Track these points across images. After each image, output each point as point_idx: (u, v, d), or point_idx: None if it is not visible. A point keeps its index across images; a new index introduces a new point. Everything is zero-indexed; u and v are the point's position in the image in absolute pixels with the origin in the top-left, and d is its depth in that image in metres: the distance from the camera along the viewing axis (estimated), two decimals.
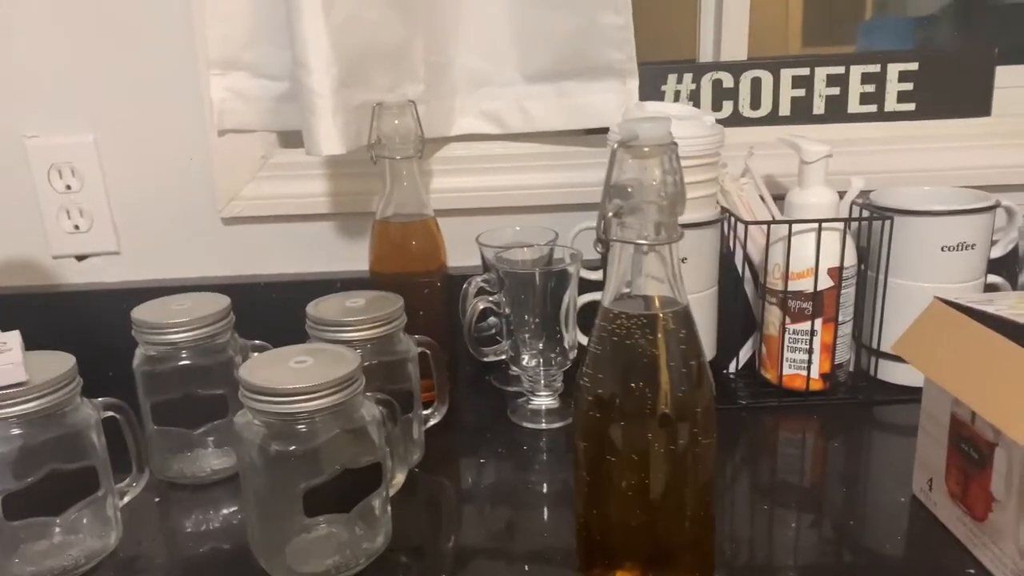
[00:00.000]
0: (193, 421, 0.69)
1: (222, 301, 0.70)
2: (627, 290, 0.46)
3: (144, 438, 0.65)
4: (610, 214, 0.44)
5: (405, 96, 0.81)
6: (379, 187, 0.81)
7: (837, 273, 0.76)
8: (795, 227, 0.75)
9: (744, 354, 0.86)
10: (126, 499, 0.64)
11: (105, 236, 0.91)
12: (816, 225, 0.74)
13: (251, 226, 0.91)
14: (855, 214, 0.80)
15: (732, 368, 0.84)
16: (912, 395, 0.67)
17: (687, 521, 0.48)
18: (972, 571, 0.55)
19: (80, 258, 0.93)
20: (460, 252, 0.88)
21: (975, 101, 0.89)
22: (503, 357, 0.79)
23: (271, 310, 0.81)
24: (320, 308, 0.67)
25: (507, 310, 0.76)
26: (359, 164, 0.83)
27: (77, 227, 0.91)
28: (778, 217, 0.84)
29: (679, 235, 0.45)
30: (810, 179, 0.76)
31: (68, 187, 0.89)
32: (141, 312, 0.68)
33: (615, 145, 0.44)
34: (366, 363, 0.65)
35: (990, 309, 0.54)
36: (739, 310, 0.83)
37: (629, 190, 0.43)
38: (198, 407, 0.68)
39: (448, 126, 0.89)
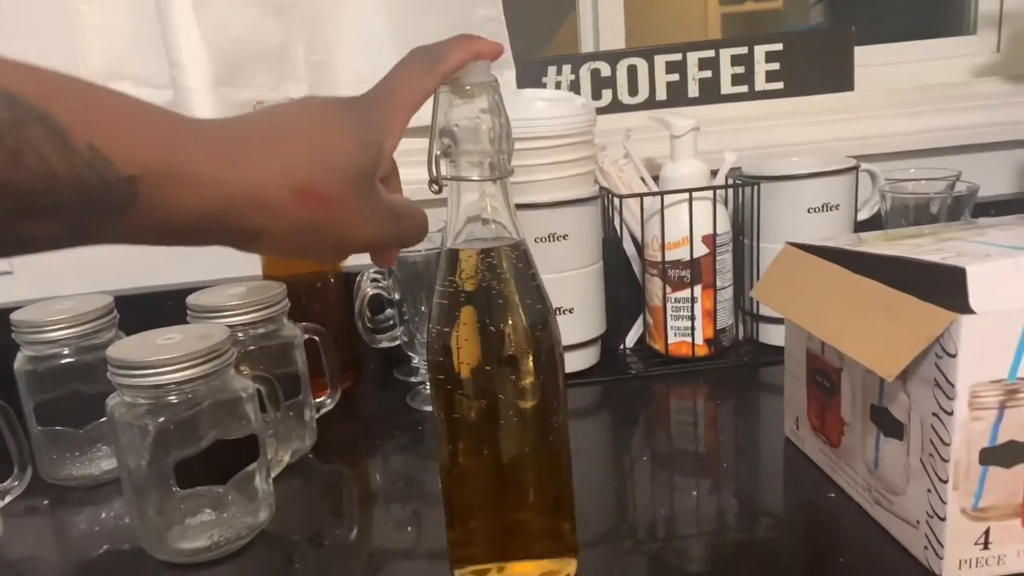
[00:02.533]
0: (79, 420, 0.69)
1: (105, 299, 0.70)
2: (467, 233, 0.48)
3: (26, 437, 0.64)
4: (438, 153, 0.46)
5: (287, 95, 0.83)
6: None
7: (711, 240, 0.79)
8: (668, 198, 0.78)
9: (636, 330, 0.88)
10: (7, 499, 0.63)
11: None
12: (687, 195, 0.77)
13: None
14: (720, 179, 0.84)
15: (625, 345, 0.87)
16: None
17: (540, 467, 0.49)
18: (832, 495, 0.58)
19: None
20: None
21: (838, 77, 0.95)
22: (397, 343, 0.80)
23: (163, 314, 0.80)
24: (200, 297, 0.68)
25: (397, 296, 0.78)
26: None
27: None
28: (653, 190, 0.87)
29: (510, 171, 0.47)
30: (680, 152, 0.80)
31: None
32: (21, 314, 0.68)
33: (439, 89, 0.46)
34: (249, 348, 0.66)
35: (831, 244, 0.58)
36: (626, 289, 0.86)
37: (455, 128, 0.45)
38: (83, 405, 0.68)
39: None
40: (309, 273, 0.82)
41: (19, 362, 0.68)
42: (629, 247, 0.88)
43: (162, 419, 0.53)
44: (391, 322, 0.86)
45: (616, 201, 0.82)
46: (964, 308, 0.43)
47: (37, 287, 0.91)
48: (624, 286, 0.86)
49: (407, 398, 0.81)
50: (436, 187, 0.46)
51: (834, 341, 0.52)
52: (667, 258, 0.79)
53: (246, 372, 0.60)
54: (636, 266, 0.89)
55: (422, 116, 0.45)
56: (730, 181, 0.83)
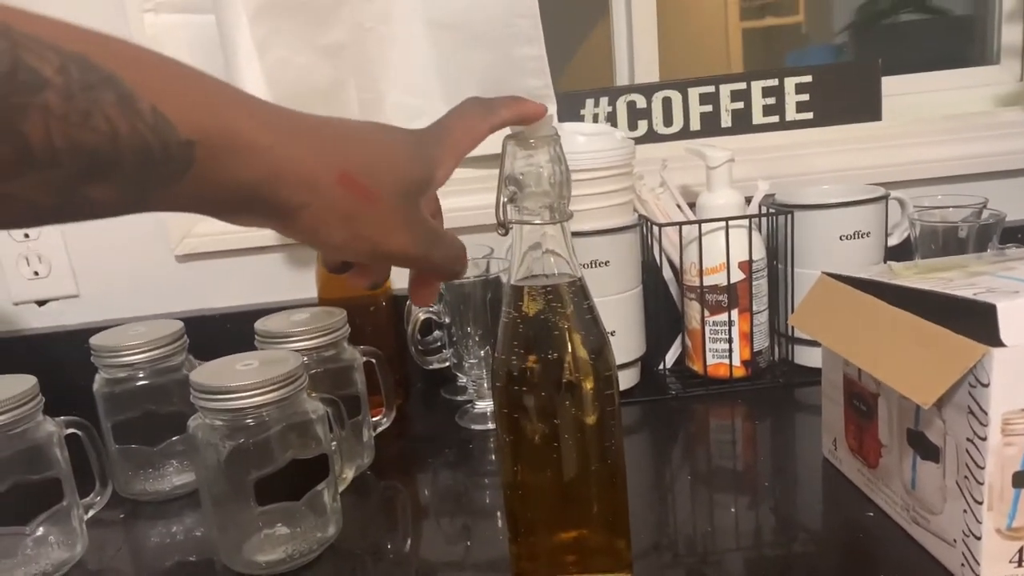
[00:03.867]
0: (153, 439, 0.73)
1: (175, 325, 0.75)
2: (529, 270, 0.51)
3: (106, 455, 0.69)
4: (505, 200, 0.50)
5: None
6: None
7: (747, 266, 0.83)
8: (705, 226, 0.82)
9: (674, 351, 0.92)
10: (91, 512, 0.67)
11: (64, 280, 0.95)
12: (723, 223, 0.81)
13: (204, 262, 0.96)
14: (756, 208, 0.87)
15: (664, 365, 0.90)
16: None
17: (598, 486, 0.53)
18: (871, 514, 0.61)
19: (41, 303, 0.97)
20: (404, 274, 0.94)
21: (866, 107, 0.98)
22: (447, 364, 0.84)
23: (226, 338, 0.84)
24: (267, 323, 0.72)
25: (446, 319, 0.82)
26: None
27: (36, 273, 0.95)
28: (691, 218, 0.91)
29: (569, 215, 0.51)
30: (716, 182, 0.84)
31: (26, 235, 0.93)
32: (99, 339, 0.73)
33: (506, 140, 0.50)
34: (313, 370, 0.70)
35: (865, 275, 0.61)
36: (664, 313, 0.89)
37: (520, 177, 0.49)
38: (157, 425, 0.72)
39: None
40: (362, 297, 0.86)
41: (97, 384, 0.72)
42: (667, 272, 0.92)
43: (241, 440, 0.58)
44: (439, 343, 0.90)
45: (655, 229, 0.85)
46: (996, 341, 0.46)
47: (105, 310, 0.96)
48: (662, 309, 0.90)
49: (456, 416, 0.85)
50: (503, 230, 0.51)
51: (871, 369, 0.55)
52: (705, 283, 0.83)
53: (314, 395, 0.64)
54: (674, 290, 0.92)
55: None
56: (764, 209, 0.86)
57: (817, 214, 0.83)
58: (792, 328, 0.86)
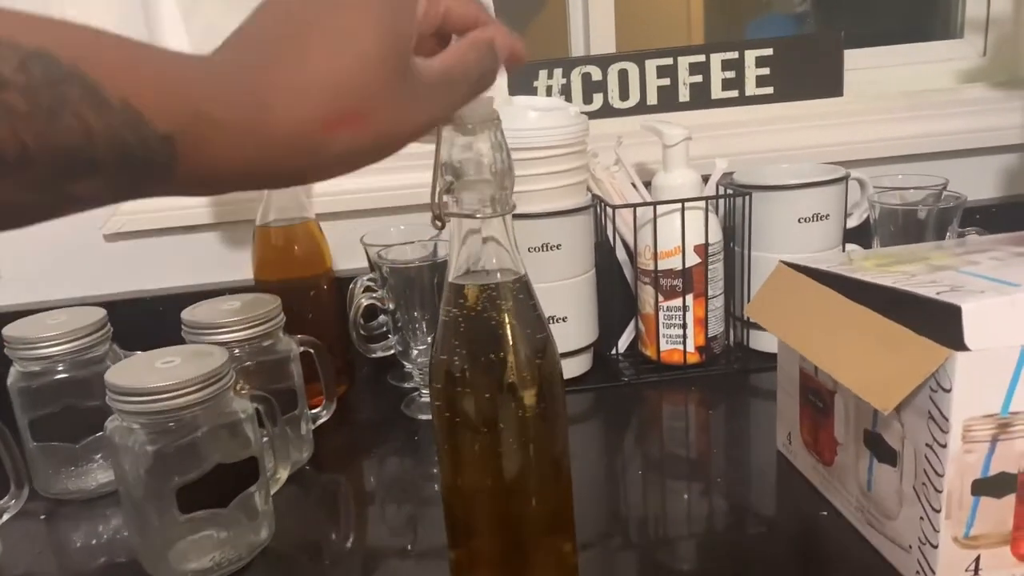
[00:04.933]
0: (74, 435, 0.69)
1: (98, 313, 0.70)
2: (468, 265, 0.48)
3: (22, 456, 0.64)
4: (441, 190, 0.46)
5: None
6: (260, 193, 0.81)
7: (703, 249, 0.80)
8: (660, 208, 0.79)
9: (628, 335, 0.89)
10: (5, 517, 0.63)
11: None
12: (680, 205, 0.78)
13: (134, 241, 0.91)
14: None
15: (617, 350, 0.87)
16: None
17: (541, 490, 0.50)
18: (825, 512, 0.59)
19: None
20: (348, 255, 0.90)
21: (828, 83, 0.95)
22: (391, 352, 0.81)
23: (157, 323, 0.80)
24: (195, 312, 0.68)
25: (391, 305, 0.78)
26: None
27: None
28: (647, 199, 0.88)
29: (512, 207, 0.48)
30: (673, 161, 0.80)
31: None
32: (14, 329, 0.67)
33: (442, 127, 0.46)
34: (244, 364, 0.66)
35: (824, 267, 0.58)
36: (618, 295, 0.87)
37: (458, 165, 0.45)
38: (78, 420, 0.68)
39: None
40: (302, 279, 0.82)
41: (12, 378, 0.68)
42: (621, 253, 0.89)
43: (162, 445, 0.54)
44: (384, 329, 0.86)
45: (609, 210, 0.82)
46: (959, 344, 0.44)
47: (29, 291, 0.91)
48: (616, 292, 0.87)
49: (401, 405, 0.82)
50: (439, 223, 0.47)
51: (829, 368, 0.52)
52: (659, 267, 0.80)
53: (244, 391, 0.60)
54: (628, 272, 0.89)
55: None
56: (722, 190, 0.83)
57: (775, 195, 0.80)
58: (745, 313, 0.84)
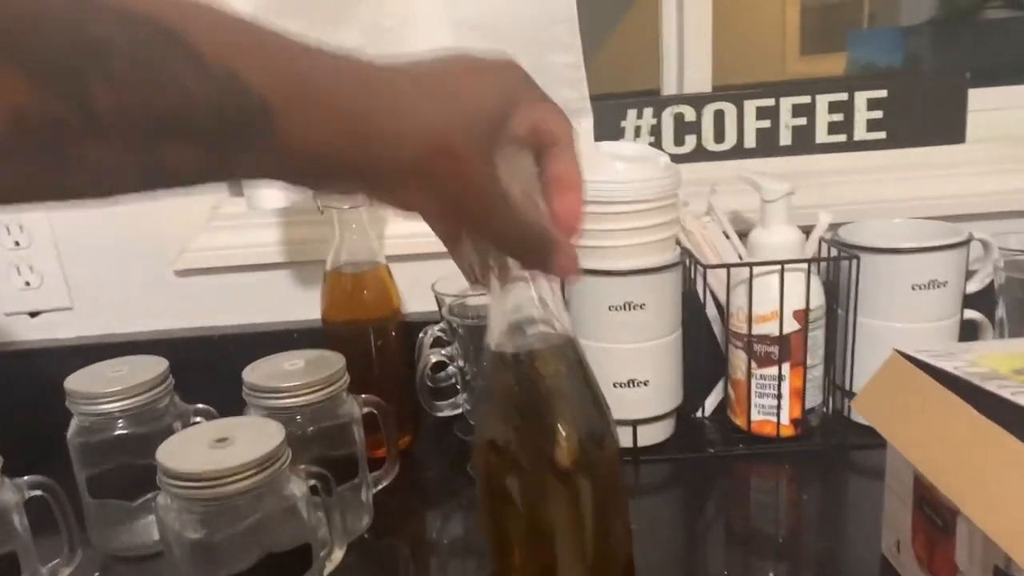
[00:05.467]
0: (131, 493, 0.66)
1: (159, 365, 0.68)
2: (512, 329, 0.43)
3: (73, 518, 0.62)
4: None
5: None
6: (331, 236, 0.78)
7: (803, 316, 0.73)
8: (757, 269, 0.72)
9: (715, 397, 0.82)
10: None
11: (57, 292, 0.89)
12: (779, 267, 0.71)
13: (203, 278, 0.89)
14: (823, 251, 0.77)
15: (703, 412, 0.81)
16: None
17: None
18: None
19: (33, 315, 0.90)
20: (419, 298, 0.86)
21: (948, 128, 0.86)
22: (459, 411, 0.76)
23: (223, 363, 0.78)
24: (256, 373, 0.64)
25: (462, 362, 0.73)
26: (311, 211, 0.81)
27: (28, 283, 0.88)
28: (744, 255, 0.81)
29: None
30: (772, 217, 0.73)
31: (17, 243, 0.87)
32: (75, 381, 0.65)
33: None
34: (305, 430, 0.63)
35: (948, 366, 0.51)
36: (706, 353, 0.80)
37: None
38: (136, 478, 0.65)
39: None
40: (370, 324, 0.79)
41: (72, 431, 0.66)
42: (711, 309, 0.83)
43: (210, 532, 0.50)
44: (452, 381, 0.81)
45: (700, 268, 0.76)
46: None
47: (98, 322, 0.90)
48: (703, 349, 0.80)
49: (468, 466, 0.77)
50: (480, 287, 0.43)
51: (955, 496, 0.45)
52: (754, 332, 0.73)
53: (301, 468, 0.56)
54: (718, 329, 0.83)
55: None
56: (826, 248, 0.76)
57: (887, 259, 0.73)
58: (851, 379, 0.76)
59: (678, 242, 0.77)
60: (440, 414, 0.76)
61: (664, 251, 0.74)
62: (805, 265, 0.72)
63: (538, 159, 0.40)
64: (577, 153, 0.41)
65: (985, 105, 0.90)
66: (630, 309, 0.72)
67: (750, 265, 0.72)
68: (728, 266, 0.73)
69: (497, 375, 0.43)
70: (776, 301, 0.72)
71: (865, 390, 0.58)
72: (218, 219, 0.88)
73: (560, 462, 0.42)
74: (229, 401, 0.66)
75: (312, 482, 0.56)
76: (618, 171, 0.71)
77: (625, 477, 0.75)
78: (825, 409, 0.79)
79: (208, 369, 0.81)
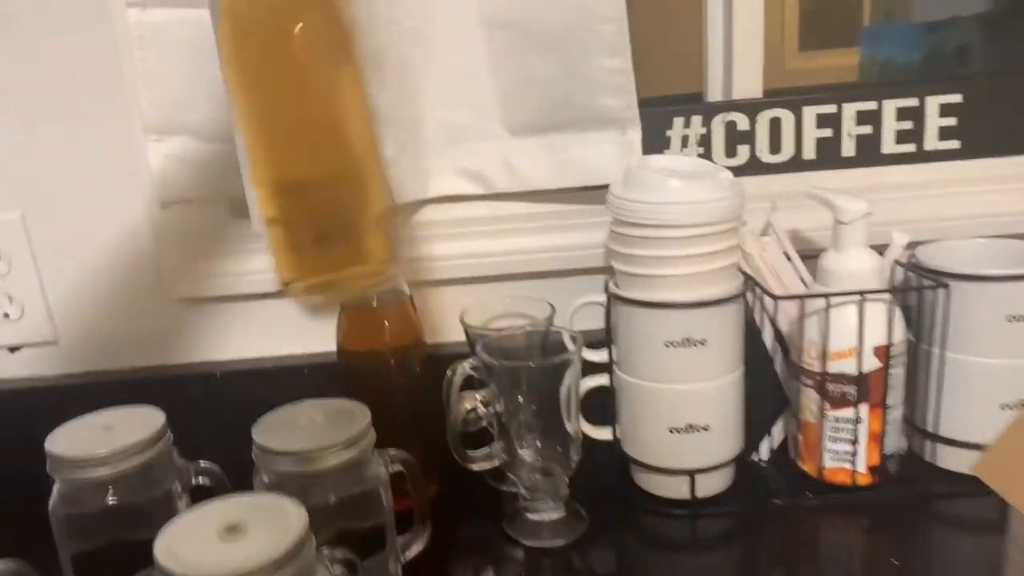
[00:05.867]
0: (122, 570, 0.57)
1: (155, 419, 0.59)
2: None
3: None
4: None
5: None
6: None
7: (884, 352, 0.64)
8: (834, 300, 0.64)
9: (777, 438, 0.74)
10: None
11: (39, 324, 0.80)
12: (858, 297, 0.63)
13: (205, 307, 0.80)
14: (899, 276, 0.69)
15: (760, 456, 0.73)
16: (979, 485, 0.56)
17: None
18: None
19: (13, 349, 0.81)
20: (445, 326, 0.78)
21: None
22: (496, 463, 0.67)
23: (227, 404, 0.71)
24: (268, 431, 0.55)
25: (498, 407, 0.65)
26: None
27: (7, 315, 0.79)
28: (807, 280, 0.73)
29: None
30: (847, 241, 0.65)
31: None
32: (58, 442, 0.56)
33: None
34: (326, 500, 0.54)
35: None
36: (764, 390, 0.71)
37: None
38: (130, 557, 0.56)
39: (423, 188, 0.78)
40: (391, 355, 0.70)
41: (55, 502, 0.56)
42: (768, 338, 0.74)
43: None
44: (483, 422, 0.72)
45: (765, 298, 0.68)
46: None
47: (87, 357, 0.81)
48: (762, 386, 0.72)
49: (504, 522, 0.69)
50: None
51: None
52: (828, 370, 0.65)
53: (324, 553, 0.48)
54: (777, 362, 0.74)
55: None
56: (905, 275, 0.68)
57: (979, 287, 0.64)
58: (935, 419, 0.68)
59: (740, 270, 0.68)
60: (475, 467, 0.67)
61: (728, 279, 0.65)
62: (887, 295, 0.64)
63: None
64: None
65: None
66: (690, 345, 0.64)
67: (826, 296, 0.64)
68: (802, 297, 0.65)
69: None
70: (854, 336, 0.64)
71: (989, 453, 0.49)
72: (221, 242, 0.79)
73: None
74: (234, 450, 0.58)
75: (338, 573, 0.47)
76: (674, 190, 0.63)
77: (681, 531, 0.67)
78: (904, 451, 0.71)
79: (210, 412, 0.73)
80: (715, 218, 0.62)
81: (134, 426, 0.58)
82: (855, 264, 0.65)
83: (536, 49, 0.72)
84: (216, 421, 0.68)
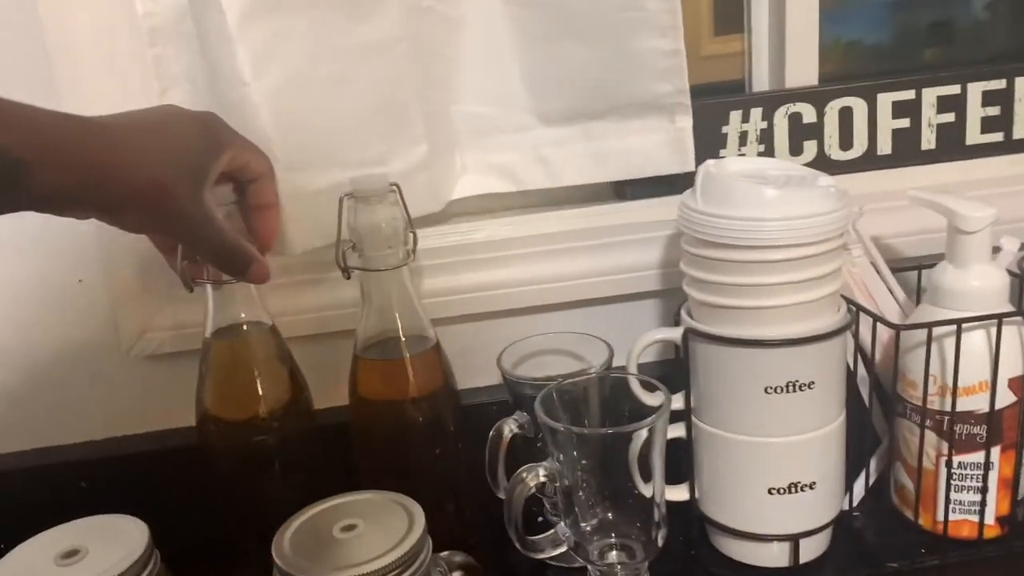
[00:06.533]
0: None
1: (137, 536, 0.45)
2: None
3: None
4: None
5: (387, 175, 0.56)
6: (355, 298, 0.57)
7: (1020, 384, 0.54)
8: (965, 325, 0.53)
9: (866, 480, 0.63)
10: None
11: None
12: (995, 322, 0.52)
13: (173, 364, 0.65)
14: (1015, 289, 0.59)
15: (851, 503, 0.62)
16: None
17: None
18: None
19: None
20: (473, 368, 0.65)
21: None
22: (564, 548, 0.55)
23: (210, 485, 0.57)
24: (295, 545, 0.42)
25: (566, 481, 0.52)
26: (324, 267, 0.58)
27: None
28: (900, 298, 0.62)
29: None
30: (971, 254, 0.54)
31: None
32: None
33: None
34: None
35: None
36: (857, 429, 0.60)
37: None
38: None
39: (449, 188, 0.66)
40: (418, 417, 0.57)
41: None
42: (860, 370, 0.63)
43: None
44: (532, 490, 0.60)
45: (865, 326, 0.57)
46: None
47: (25, 431, 0.66)
48: (857, 427, 0.61)
49: None
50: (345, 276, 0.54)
51: None
52: (957, 408, 0.54)
53: None
54: (864, 391, 0.63)
55: None
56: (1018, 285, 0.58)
57: None
58: None
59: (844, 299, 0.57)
60: (541, 556, 0.55)
61: (831, 308, 0.54)
62: (1021, 318, 0.54)
63: (244, 190, 0.51)
64: (276, 181, 0.52)
65: None
66: (795, 390, 0.53)
67: (958, 322, 0.53)
68: (930, 325, 0.54)
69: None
70: (986, 367, 0.53)
71: None
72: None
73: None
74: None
75: None
76: (772, 202, 0.51)
77: None
78: None
79: (189, 497, 0.58)
80: (823, 235, 0.51)
81: (108, 545, 0.44)
82: (980, 282, 0.54)
83: (573, 33, 0.61)
84: (200, 507, 0.55)
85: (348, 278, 0.55)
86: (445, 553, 0.47)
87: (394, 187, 0.54)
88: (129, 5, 0.59)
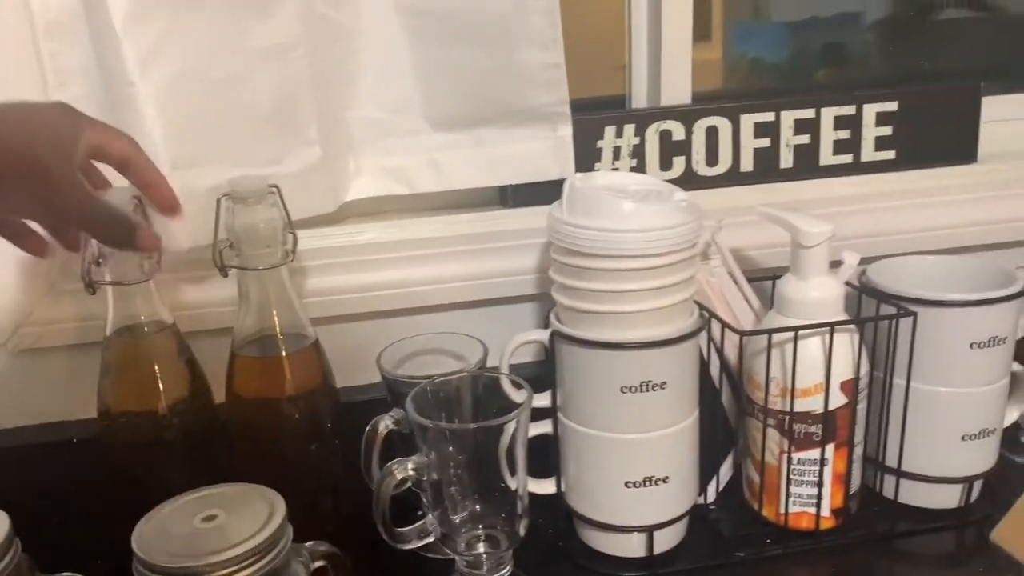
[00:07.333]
0: None
1: None
2: None
3: None
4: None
5: (267, 177, 0.57)
6: (232, 295, 0.58)
7: (851, 387, 0.59)
8: (800, 332, 0.58)
9: (724, 476, 0.68)
10: None
11: None
12: (827, 329, 0.57)
13: (50, 359, 0.65)
14: (853, 300, 0.64)
15: (706, 498, 0.66)
16: (945, 520, 0.58)
17: None
18: None
19: None
20: (356, 367, 0.67)
21: (958, 145, 0.76)
22: (431, 539, 0.57)
23: (80, 478, 0.58)
24: (154, 537, 0.43)
25: (435, 475, 0.55)
26: (208, 264, 0.59)
27: None
28: (756, 306, 0.67)
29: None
30: (810, 267, 0.59)
31: None
32: None
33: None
34: None
35: None
36: (713, 428, 0.65)
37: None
38: None
39: (343, 190, 0.68)
40: (295, 413, 0.59)
41: None
42: (714, 372, 0.68)
43: None
44: (407, 484, 0.62)
45: (720, 332, 0.61)
46: None
47: None
48: (711, 425, 0.65)
49: None
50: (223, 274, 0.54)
51: None
52: (795, 408, 0.59)
53: None
54: (724, 396, 0.68)
55: None
56: (862, 300, 0.63)
57: (941, 313, 0.60)
58: (899, 456, 0.64)
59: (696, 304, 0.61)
60: (408, 547, 0.57)
61: (684, 313, 0.58)
62: (854, 326, 0.59)
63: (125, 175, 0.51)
64: (146, 155, 0.51)
65: (1000, 115, 0.80)
66: (649, 389, 0.57)
67: (795, 329, 0.58)
68: (770, 332, 0.58)
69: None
70: (821, 371, 0.58)
71: (1009, 520, 0.45)
72: (68, 280, 0.65)
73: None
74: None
75: None
76: (629, 215, 0.55)
77: None
78: (875, 488, 0.66)
79: (64, 493, 0.59)
80: (676, 246, 0.55)
81: None
82: (818, 293, 0.59)
83: (464, 41, 0.64)
84: (75, 501, 0.55)
85: (225, 276, 0.56)
86: (309, 544, 0.49)
87: (274, 188, 0.56)
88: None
